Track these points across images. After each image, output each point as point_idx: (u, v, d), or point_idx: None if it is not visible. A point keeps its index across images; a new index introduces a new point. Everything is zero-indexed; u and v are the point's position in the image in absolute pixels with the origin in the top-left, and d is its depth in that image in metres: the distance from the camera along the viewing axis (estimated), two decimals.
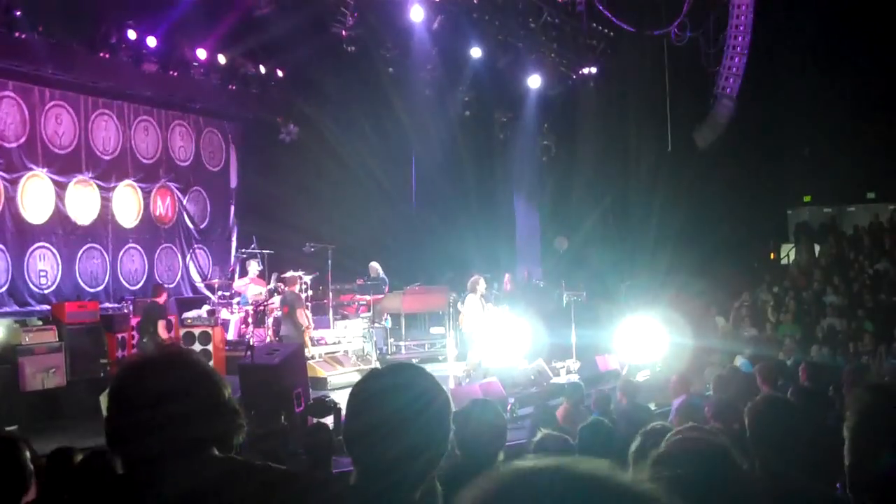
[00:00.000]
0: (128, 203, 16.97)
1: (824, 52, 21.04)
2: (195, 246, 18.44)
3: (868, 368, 12.18)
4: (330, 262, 15.87)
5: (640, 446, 3.50)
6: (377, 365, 13.58)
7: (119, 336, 14.05)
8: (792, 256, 24.10)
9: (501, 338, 13.85)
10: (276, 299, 15.29)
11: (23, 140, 14.89)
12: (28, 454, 4.02)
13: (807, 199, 26.34)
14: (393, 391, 2.14)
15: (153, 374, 2.07)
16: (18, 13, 12.27)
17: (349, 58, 16.39)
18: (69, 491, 4.55)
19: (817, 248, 22.87)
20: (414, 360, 16.83)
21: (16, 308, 14.51)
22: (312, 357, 14.08)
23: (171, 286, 17.61)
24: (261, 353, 11.43)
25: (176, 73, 15.64)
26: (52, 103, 15.47)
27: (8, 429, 7.70)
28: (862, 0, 20.63)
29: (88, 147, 16.13)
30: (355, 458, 2.13)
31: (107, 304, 15.64)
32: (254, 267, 16.31)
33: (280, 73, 17.16)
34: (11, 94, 14.75)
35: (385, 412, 2.09)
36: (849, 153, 21.88)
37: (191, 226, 18.38)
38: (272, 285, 16.00)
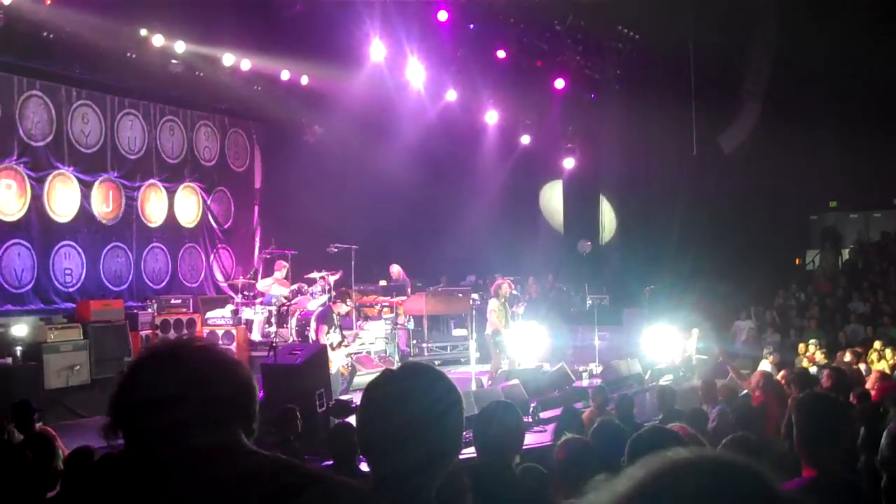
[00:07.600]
0: (152, 202, 17.05)
1: (851, 55, 20.82)
2: (219, 246, 18.49)
3: (891, 376, 12.08)
4: (353, 262, 15.87)
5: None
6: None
7: (143, 334, 14.13)
8: (817, 262, 23.89)
9: (522, 341, 13.84)
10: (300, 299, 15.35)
11: (49, 139, 14.99)
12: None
13: (833, 204, 26.08)
14: (409, 396, 2.08)
15: (174, 361, 1.93)
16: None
17: (373, 59, 16.41)
18: (89, 489, 4.56)
19: (845, 251, 22.70)
20: (436, 363, 16.83)
21: (41, 306, 14.60)
22: None
23: (195, 286, 17.76)
24: (283, 354, 11.44)
25: (202, 74, 15.74)
26: (78, 103, 15.56)
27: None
28: (889, 3, 20.42)
29: (114, 146, 16.21)
30: (371, 464, 2.09)
31: (131, 303, 15.70)
32: (281, 271, 16.27)
33: (305, 75, 17.18)
34: (38, 94, 14.86)
35: (402, 419, 2.03)
36: (875, 159, 21.65)
37: (215, 226, 18.42)
38: (295, 286, 16.01)
